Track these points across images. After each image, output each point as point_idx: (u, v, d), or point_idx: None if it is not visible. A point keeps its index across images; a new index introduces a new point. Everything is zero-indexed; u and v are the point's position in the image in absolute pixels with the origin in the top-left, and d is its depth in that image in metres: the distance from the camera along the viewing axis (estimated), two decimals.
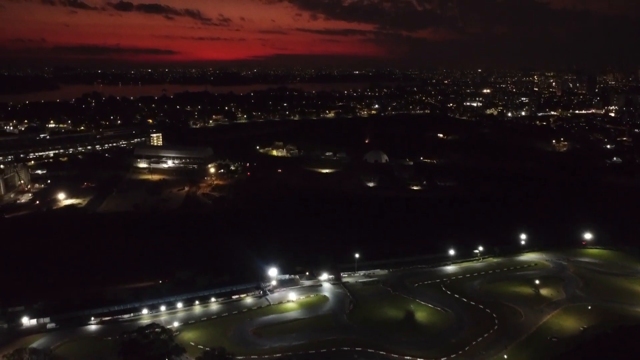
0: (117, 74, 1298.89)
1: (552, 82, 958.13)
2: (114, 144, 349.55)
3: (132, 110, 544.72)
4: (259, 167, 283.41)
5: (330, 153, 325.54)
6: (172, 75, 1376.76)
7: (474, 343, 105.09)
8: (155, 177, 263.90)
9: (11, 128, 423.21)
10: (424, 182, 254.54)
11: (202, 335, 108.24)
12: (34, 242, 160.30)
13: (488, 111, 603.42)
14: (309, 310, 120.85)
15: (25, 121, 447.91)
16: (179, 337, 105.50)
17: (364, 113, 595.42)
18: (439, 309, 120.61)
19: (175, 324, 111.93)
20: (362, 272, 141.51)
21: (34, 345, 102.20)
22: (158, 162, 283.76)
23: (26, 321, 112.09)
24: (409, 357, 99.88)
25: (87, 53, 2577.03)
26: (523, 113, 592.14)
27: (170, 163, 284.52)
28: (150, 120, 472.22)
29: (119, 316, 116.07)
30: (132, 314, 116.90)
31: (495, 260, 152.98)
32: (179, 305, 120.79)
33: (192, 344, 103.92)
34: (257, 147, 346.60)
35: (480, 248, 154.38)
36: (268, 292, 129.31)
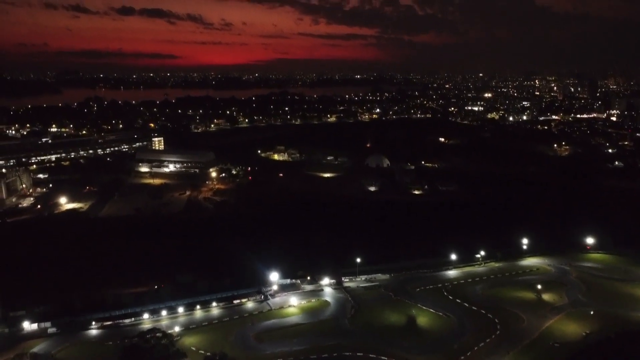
0: (119, 78, 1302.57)
1: (554, 86, 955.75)
2: (116, 148, 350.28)
3: (134, 114, 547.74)
4: (260, 171, 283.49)
5: (332, 157, 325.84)
6: (174, 79, 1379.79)
7: (476, 348, 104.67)
8: (157, 181, 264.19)
9: (13, 132, 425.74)
10: (426, 187, 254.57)
11: (203, 340, 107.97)
12: (36, 247, 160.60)
13: (489, 115, 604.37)
14: (310, 315, 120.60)
15: (28, 125, 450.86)
16: (180, 341, 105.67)
17: (366, 117, 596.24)
18: (440, 314, 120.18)
19: (177, 329, 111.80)
20: (363, 277, 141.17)
21: (35, 350, 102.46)
22: (160, 166, 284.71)
23: (27, 326, 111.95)
24: None
25: (90, 57, 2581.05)
26: (524, 117, 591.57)
27: (171, 167, 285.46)
28: (152, 125, 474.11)
29: (120, 321, 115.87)
30: (133, 319, 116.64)
31: (497, 265, 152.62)
32: (180, 309, 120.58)
33: (193, 348, 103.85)
34: (259, 151, 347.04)
35: (482, 253, 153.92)
36: (269, 297, 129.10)
